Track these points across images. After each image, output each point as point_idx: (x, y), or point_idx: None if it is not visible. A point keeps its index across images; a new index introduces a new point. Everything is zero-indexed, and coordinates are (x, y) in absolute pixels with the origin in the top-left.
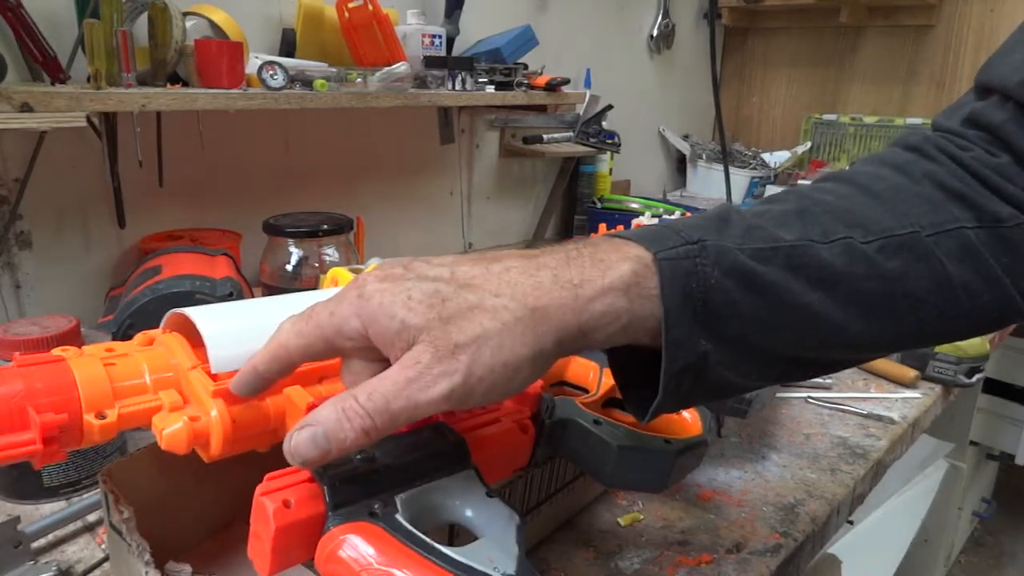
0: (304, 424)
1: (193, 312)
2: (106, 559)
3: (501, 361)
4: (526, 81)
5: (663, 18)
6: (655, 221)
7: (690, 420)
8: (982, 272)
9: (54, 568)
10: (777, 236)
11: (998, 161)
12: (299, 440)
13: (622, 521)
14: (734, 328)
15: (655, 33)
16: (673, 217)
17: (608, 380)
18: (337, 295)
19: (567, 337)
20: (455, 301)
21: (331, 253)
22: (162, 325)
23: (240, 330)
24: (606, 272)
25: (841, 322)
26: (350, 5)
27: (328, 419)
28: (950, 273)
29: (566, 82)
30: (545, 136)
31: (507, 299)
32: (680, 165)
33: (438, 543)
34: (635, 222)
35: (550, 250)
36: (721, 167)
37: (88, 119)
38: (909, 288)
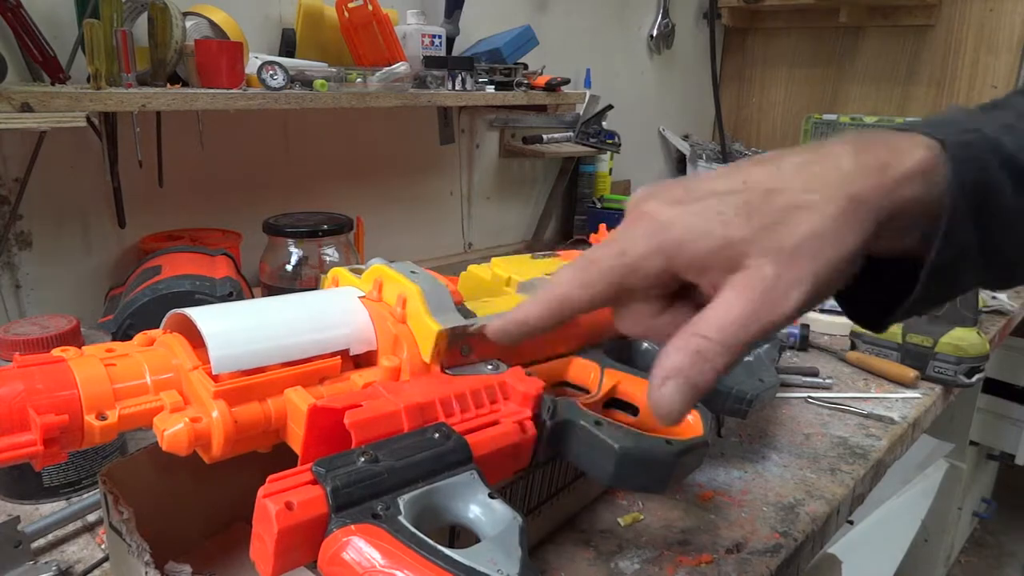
0: (664, 377)
1: (194, 312)
2: (106, 559)
3: (841, 255)
4: (526, 81)
5: (663, 18)
6: None
7: (691, 420)
8: None
9: (54, 568)
10: None
11: None
12: (669, 395)
13: (622, 521)
14: (997, 225)
15: (655, 33)
16: None
17: (609, 381)
18: (620, 232)
19: (884, 220)
20: (770, 207)
21: (331, 253)
22: (162, 325)
23: (241, 330)
24: (903, 157)
25: None
26: (350, 5)
27: (685, 365)
28: None
29: (566, 82)
30: (545, 136)
31: (821, 192)
32: (680, 165)
33: (440, 545)
34: None
35: (826, 143)
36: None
37: (88, 119)
38: None
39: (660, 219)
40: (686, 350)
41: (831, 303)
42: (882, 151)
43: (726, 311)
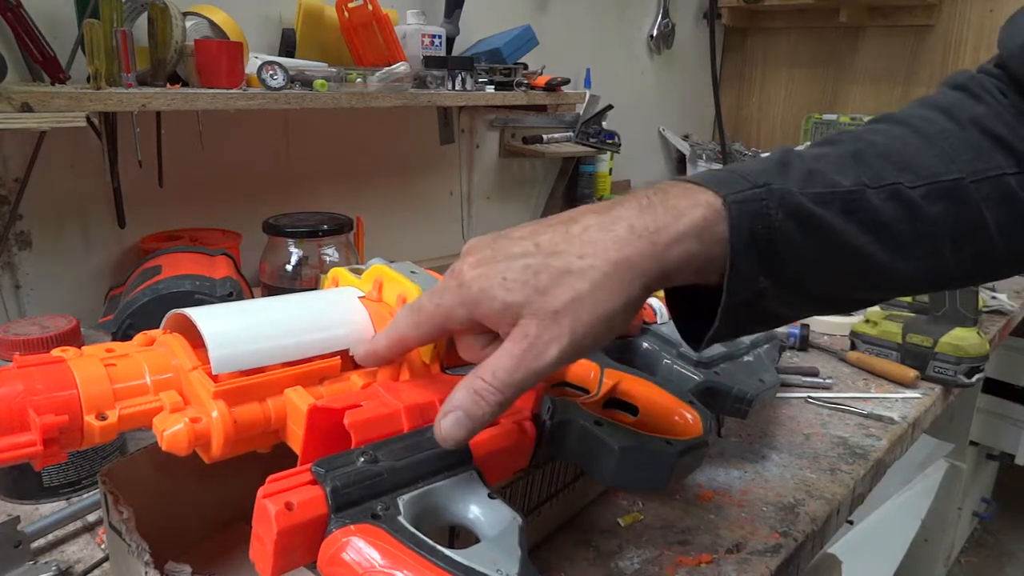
0: (447, 411)
1: (194, 312)
2: (106, 559)
3: (598, 316)
4: (526, 81)
5: (663, 18)
6: None
7: (691, 421)
8: (1019, 216)
9: (54, 568)
10: (835, 181)
11: None
12: (447, 425)
13: (622, 521)
14: (791, 267)
15: (655, 33)
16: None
17: (609, 381)
18: (439, 287)
19: (651, 282)
20: (546, 272)
21: (331, 253)
22: (162, 325)
23: (241, 330)
24: (679, 218)
25: (887, 263)
26: (350, 5)
27: (465, 401)
28: (987, 218)
29: (566, 82)
30: (545, 136)
31: (591, 258)
32: (680, 165)
33: (440, 545)
34: None
35: (621, 200)
36: (721, 167)
37: (88, 119)
38: (949, 231)
39: (464, 278)
40: (467, 389)
41: None
42: (660, 214)
43: (499, 359)
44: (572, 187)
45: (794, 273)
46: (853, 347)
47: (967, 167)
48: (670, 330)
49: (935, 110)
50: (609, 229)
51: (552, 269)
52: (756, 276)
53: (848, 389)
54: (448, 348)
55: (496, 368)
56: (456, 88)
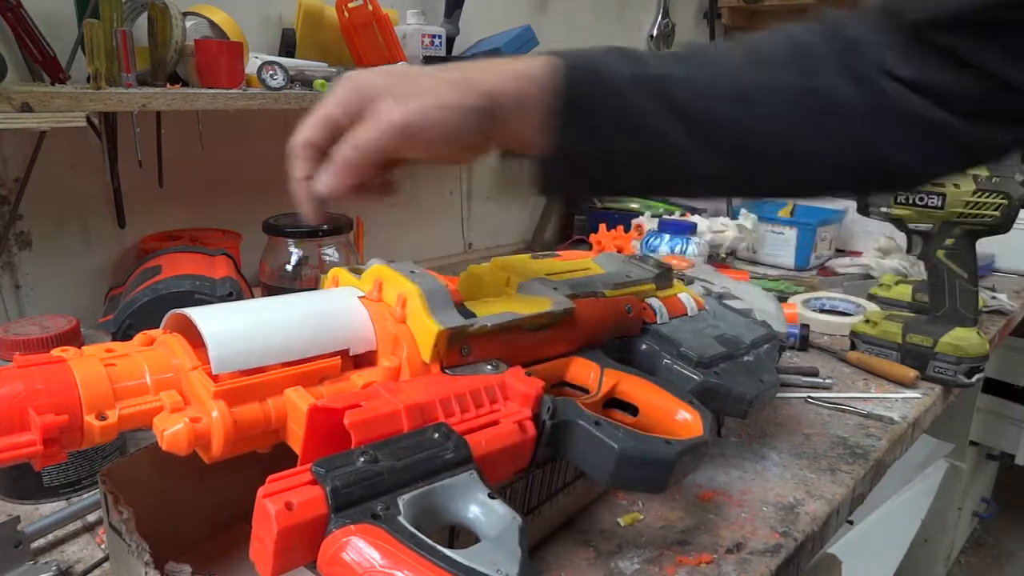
0: (323, 171)
1: (194, 312)
2: (106, 559)
3: (440, 103)
4: None
5: (663, 18)
6: (655, 221)
7: (691, 421)
8: (818, 128)
9: (54, 568)
10: (661, 71)
11: (869, 39)
12: (323, 180)
13: (622, 521)
14: (603, 134)
15: (655, 33)
16: (672, 217)
17: (609, 381)
18: (330, 93)
19: (489, 103)
20: (415, 74)
21: (331, 253)
22: (162, 325)
23: (241, 330)
24: (519, 61)
25: (689, 152)
26: (350, 5)
27: (336, 163)
28: (792, 126)
29: None
30: None
31: (451, 73)
32: None
33: (440, 545)
34: (635, 222)
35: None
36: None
37: (88, 119)
38: (755, 134)
39: (354, 74)
40: (337, 152)
41: (830, 303)
42: (510, 59)
43: (359, 129)
44: None
45: (606, 141)
46: (853, 347)
47: (781, 79)
48: (670, 330)
49: (772, 35)
50: (475, 63)
51: (419, 72)
52: (572, 133)
53: (848, 389)
54: (448, 348)
55: (356, 136)
56: None
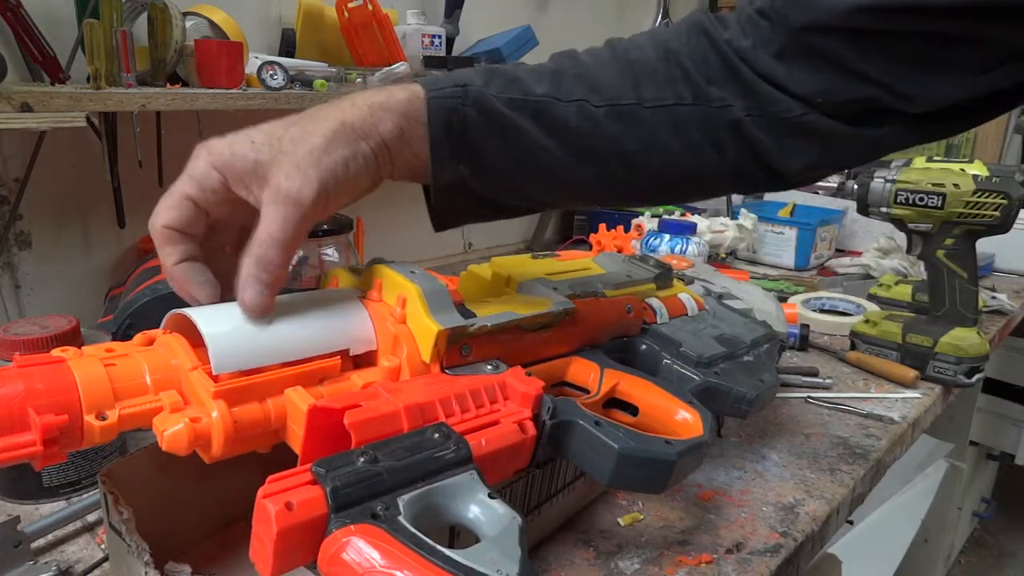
0: (244, 284)
1: (194, 312)
2: (106, 559)
3: (335, 161)
4: None
5: (663, 18)
6: (655, 221)
7: (691, 421)
8: (687, 142)
9: (54, 568)
10: (530, 90)
11: (741, 44)
12: (252, 297)
13: (622, 521)
14: (486, 158)
15: None
16: (672, 217)
17: (609, 381)
18: (188, 166)
19: (375, 145)
20: (287, 136)
21: (331, 253)
22: (162, 325)
23: (241, 330)
24: (389, 98)
25: (567, 166)
26: (350, 5)
27: (257, 270)
28: (661, 140)
29: None
30: None
31: (322, 123)
32: None
33: (440, 545)
34: (635, 222)
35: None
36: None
37: (88, 119)
38: (624, 148)
39: (213, 147)
40: (254, 259)
41: (830, 303)
42: (377, 94)
43: (267, 224)
44: None
45: (489, 164)
46: (853, 347)
47: (648, 93)
48: (670, 330)
49: (653, 40)
50: (335, 106)
51: (291, 134)
52: (454, 162)
53: (848, 389)
54: (448, 348)
55: (269, 231)
56: None
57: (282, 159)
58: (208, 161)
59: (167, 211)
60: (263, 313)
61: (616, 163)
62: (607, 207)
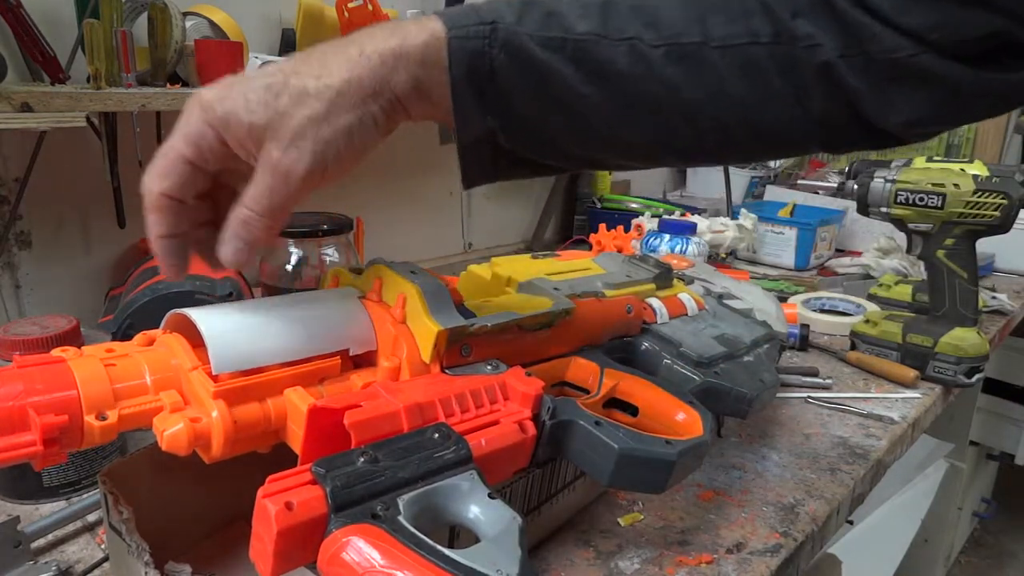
0: (226, 239)
1: (194, 312)
2: (106, 559)
3: (337, 131)
4: None
5: None
6: (655, 221)
7: (691, 421)
8: (763, 89)
9: (54, 568)
10: (571, 27)
11: None
12: (230, 252)
13: (622, 521)
14: (519, 110)
15: None
16: (672, 217)
17: (609, 381)
18: (180, 119)
19: (385, 103)
20: (286, 93)
21: (331, 253)
22: (162, 325)
23: (241, 330)
24: (404, 42)
25: (613, 118)
26: (350, 5)
27: (239, 229)
28: (731, 88)
29: None
30: None
31: (326, 78)
32: None
33: (440, 545)
34: (635, 222)
35: (363, 30)
36: (721, 167)
37: (88, 119)
38: (684, 96)
39: (206, 99)
40: (237, 219)
41: (830, 303)
42: (389, 37)
43: (256, 188)
44: (572, 187)
45: (522, 117)
46: (853, 347)
47: (716, 31)
48: (670, 330)
49: None
50: (343, 52)
51: (291, 89)
52: (481, 115)
53: (848, 389)
54: (448, 348)
55: (256, 196)
56: None
57: (278, 123)
58: (203, 119)
59: (162, 177)
60: (241, 266)
61: (673, 115)
62: (663, 166)
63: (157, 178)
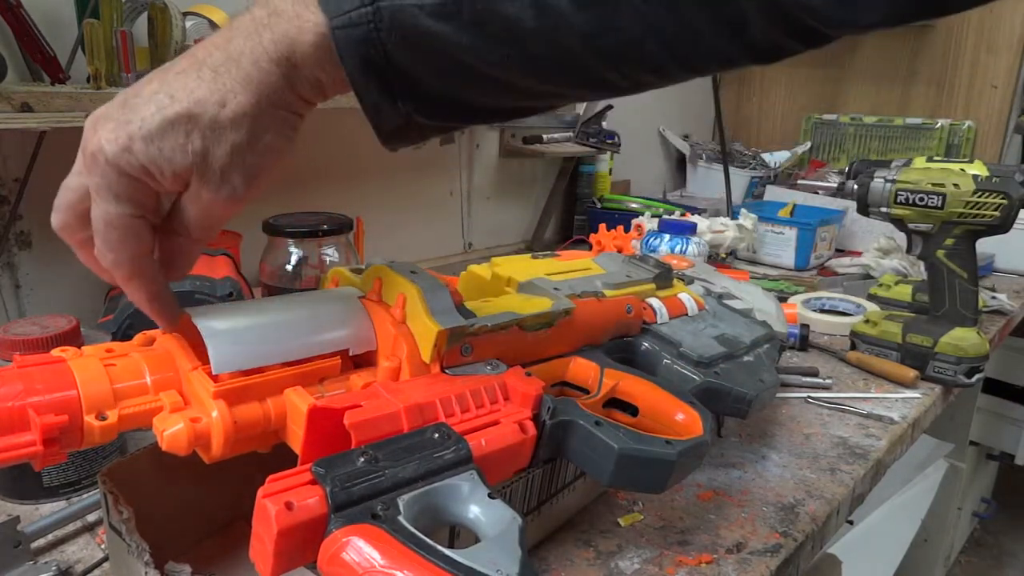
0: (177, 269)
1: (194, 312)
2: (106, 559)
3: (261, 151)
4: None
5: None
6: (655, 221)
7: (691, 421)
8: (691, 27)
9: (54, 568)
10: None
11: None
12: (176, 279)
13: (622, 521)
14: (425, 88)
15: None
16: (672, 217)
17: (609, 381)
18: (77, 171)
19: (299, 107)
20: (196, 130)
21: (331, 253)
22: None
23: (241, 330)
24: (293, 49)
25: (528, 75)
26: None
27: (182, 262)
28: (652, 24)
29: None
30: (545, 136)
31: (233, 104)
32: (680, 165)
33: (440, 545)
34: (635, 222)
35: (238, 24)
36: (721, 167)
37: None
38: (601, 43)
39: (111, 152)
40: (179, 248)
41: (830, 303)
42: (279, 44)
43: (191, 218)
44: (572, 187)
45: (432, 93)
46: (853, 347)
47: None
48: (670, 330)
49: None
50: (239, 65)
51: (201, 123)
52: (390, 102)
53: (848, 389)
54: (448, 348)
55: (194, 227)
56: None
57: (202, 165)
58: (117, 171)
59: (123, 244)
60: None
61: (590, 59)
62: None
63: (119, 248)
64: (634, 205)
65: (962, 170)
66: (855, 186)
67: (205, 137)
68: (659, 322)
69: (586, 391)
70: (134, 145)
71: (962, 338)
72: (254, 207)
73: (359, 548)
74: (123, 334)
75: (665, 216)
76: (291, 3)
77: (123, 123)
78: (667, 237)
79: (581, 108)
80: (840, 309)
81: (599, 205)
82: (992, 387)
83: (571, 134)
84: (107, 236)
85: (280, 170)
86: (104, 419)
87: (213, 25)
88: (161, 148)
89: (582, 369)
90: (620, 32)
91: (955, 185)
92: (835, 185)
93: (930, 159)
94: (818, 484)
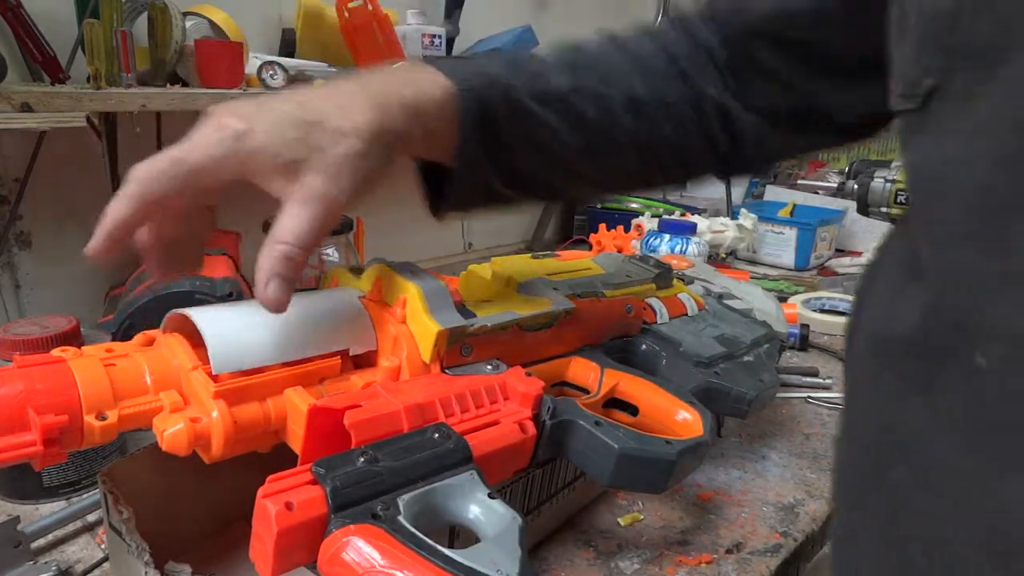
0: (266, 280)
1: (194, 312)
2: (106, 559)
3: (371, 167)
4: None
5: (663, 17)
6: (655, 221)
7: (691, 421)
8: (684, 134)
9: (54, 568)
10: (553, 83)
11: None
12: (273, 292)
13: (622, 521)
14: (514, 155)
15: None
16: (672, 217)
17: (609, 381)
18: (197, 134)
19: (398, 145)
20: (319, 130)
21: (331, 253)
22: (162, 325)
23: (241, 330)
24: (419, 98)
25: (588, 157)
26: (350, 5)
27: (279, 267)
28: (664, 135)
29: None
30: None
31: (361, 118)
32: None
33: (440, 545)
34: (635, 222)
35: (377, 71)
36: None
37: (88, 119)
38: (638, 141)
39: (239, 129)
40: (277, 256)
41: (830, 303)
42: (406, 89)
43: (295, 221)
44: None
45: (516, 164)
46: None
47: (663, 93)
48: (670, 330)
49: (646, 36)
50: (372, 96)
51: (325, 126)
52: (480, 157)
53: None
54: (448, 348)
55: (295, 229)
56: None
57: (319, 159)
58: (231, 149)
59: (154, 183)
60: (283, 308)
61: (628, 154)
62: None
63: (154, 178)
64: (634, 205)
65: None
66: (855, 186)
67: (326, 136)
68: (659, 322)
69: (586, 391)
70: (256, 127)
71: None
72: (254, 207)
73: (359, 548)
74: (123, 334)
75: (665, 216)
76: (423, 71)
77: (250, 114)
78: (667, 237)
79: None
80: (840, 309)
81: (599, 205)
82: None
83: None
84: (164, 158)
85: None
86: (104, 419)
87: (213, 25)
88: (285, 137)
89: (582, 369)
90: (647, 133)
91: None
92: (835, 185)
93: None
94: (818, 484)
